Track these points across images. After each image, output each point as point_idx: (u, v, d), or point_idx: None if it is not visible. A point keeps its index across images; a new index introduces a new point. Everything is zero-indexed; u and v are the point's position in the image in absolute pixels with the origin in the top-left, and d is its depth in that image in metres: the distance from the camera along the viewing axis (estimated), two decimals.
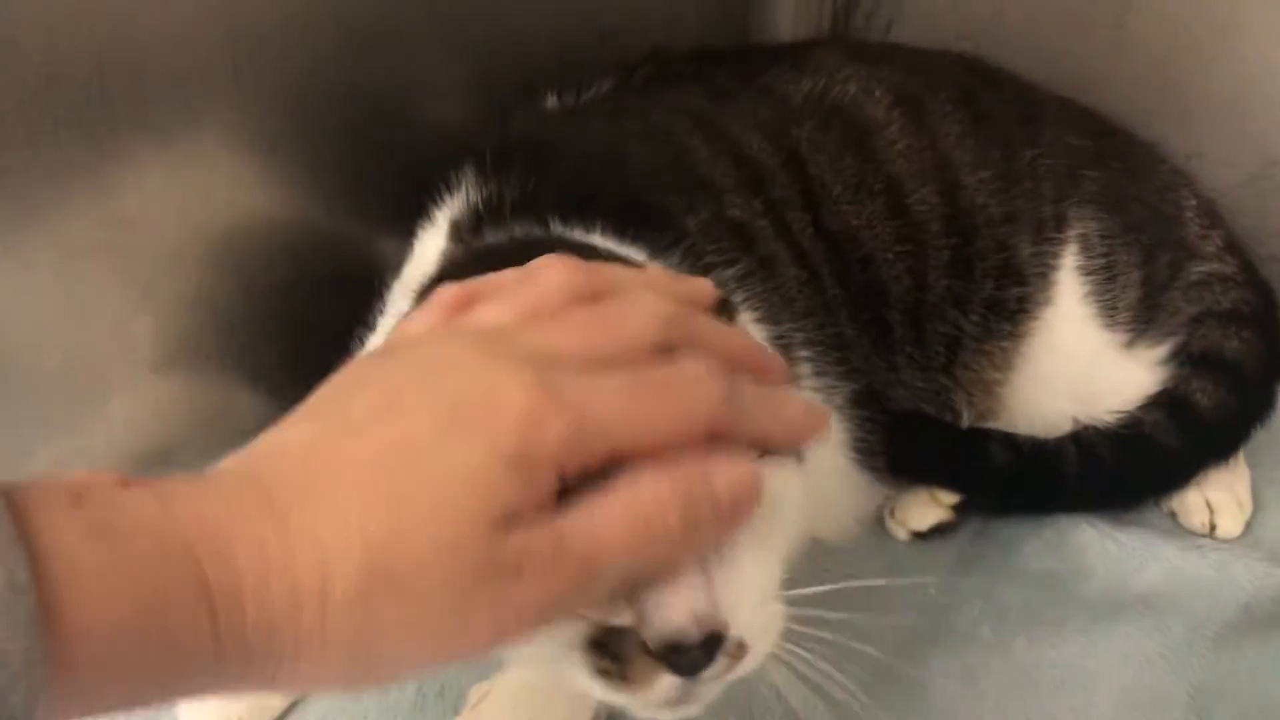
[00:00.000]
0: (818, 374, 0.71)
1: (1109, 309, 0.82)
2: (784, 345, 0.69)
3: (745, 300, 0.67)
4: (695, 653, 0.43)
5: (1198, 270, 0.84)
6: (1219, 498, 0.81)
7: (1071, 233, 0.82)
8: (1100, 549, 0.79)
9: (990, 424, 0.84)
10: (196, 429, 0.71)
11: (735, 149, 0.76)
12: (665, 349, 0.44)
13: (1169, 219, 0.85)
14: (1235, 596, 0.75)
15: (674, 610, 0.42)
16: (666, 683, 0.43)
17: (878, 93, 0.81)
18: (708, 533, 0.43)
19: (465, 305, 0.46)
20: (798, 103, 0.80)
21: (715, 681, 0.45)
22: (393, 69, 0.81)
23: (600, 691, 0.45)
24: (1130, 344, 0.82)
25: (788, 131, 0.78)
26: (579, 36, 0.91)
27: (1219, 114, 0.90)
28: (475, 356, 0.41)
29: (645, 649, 0.43)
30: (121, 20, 0.65)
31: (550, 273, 0.46)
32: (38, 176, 0.65)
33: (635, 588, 0.43)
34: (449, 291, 0.47)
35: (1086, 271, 0.82)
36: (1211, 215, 0.87)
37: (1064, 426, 0.82)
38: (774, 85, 0.82)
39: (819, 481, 0.72)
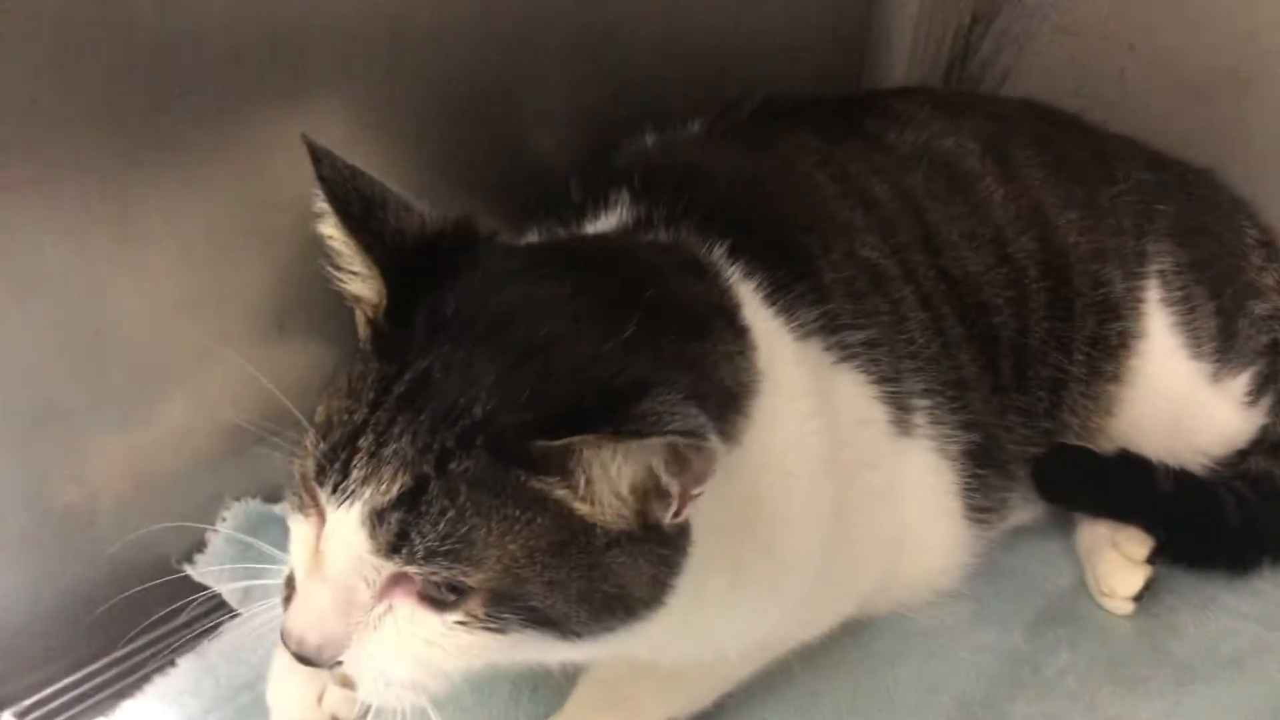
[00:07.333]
0: (934, 423, 0.73)
1: (1194, 339, 0.84)
2: (901, 400, 0.70)
3: (868, 358, 0.69)
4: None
5: (1262, 307, 0.87)
6: None
7: (1152, 267, 0.85)
8: (1191, 609, 0.80)
9: None
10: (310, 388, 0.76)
11: (860, 191, 0.78)
12: None
13: (1232, 252, 0.88)
14: None
15: (293, 625, 0.52)
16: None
17: (970, 144, 0.84)
18: None
19: None
20: (904, 152, 0.83)
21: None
22: (529, 78, 0.85)
23: None
24: (1216, 375, 0.85)
25: (903, 179, 0.81)
26: (699, 75, 0.93)
27: None
28: None
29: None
30: (295, 11, 0.70)
31: None
32: (199, 158, 0.69)
33: None
34: None
35: (1169, 304, 0.84)
36: (1269, 247, 0.89)
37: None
38: (878, 134, 0.84)
39: (917, 524, 0.74)
